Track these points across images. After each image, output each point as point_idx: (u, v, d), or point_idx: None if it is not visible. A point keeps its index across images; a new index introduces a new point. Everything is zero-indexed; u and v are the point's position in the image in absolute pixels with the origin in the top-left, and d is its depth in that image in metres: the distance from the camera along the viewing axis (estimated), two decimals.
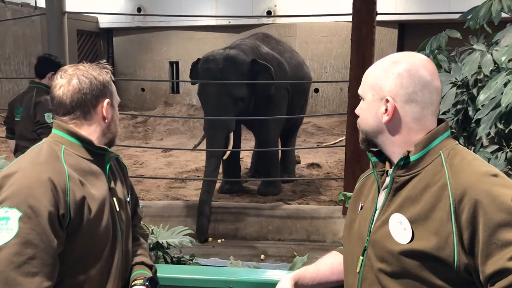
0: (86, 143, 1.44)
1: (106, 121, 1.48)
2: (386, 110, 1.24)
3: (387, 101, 1.24)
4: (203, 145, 5.77)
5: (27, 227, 1.24)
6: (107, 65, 1.52)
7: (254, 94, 5.50)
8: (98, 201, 1.39)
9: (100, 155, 1.47)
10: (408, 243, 1.17)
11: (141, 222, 1.82)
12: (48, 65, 3.87)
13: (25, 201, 1.25)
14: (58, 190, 1.30)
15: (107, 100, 1.47)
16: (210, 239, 4.90)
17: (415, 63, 1.24)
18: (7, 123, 4.16)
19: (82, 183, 1.37)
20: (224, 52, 5.37)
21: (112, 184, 1.50)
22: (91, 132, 1.46)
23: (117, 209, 1.49)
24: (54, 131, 1.46)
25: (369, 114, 1.29)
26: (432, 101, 1.24)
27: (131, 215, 1.66)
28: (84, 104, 1.44)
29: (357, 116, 1.35)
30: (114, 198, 1.49)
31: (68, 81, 1.43)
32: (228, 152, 5.34)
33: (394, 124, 1.25)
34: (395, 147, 1.26)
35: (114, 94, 1.52)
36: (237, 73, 5.24)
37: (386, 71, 1.25)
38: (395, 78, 1.23)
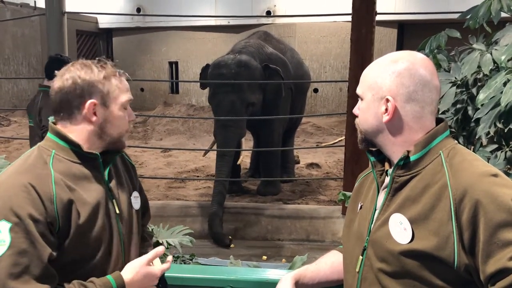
0: (74, 146, 1.39)
1: (94, 123, 1.40)
2: (386, 109, 1.23)
3: (387, 100, 1.23)
4: (203, 147, 5.75)
5: (19, 236, 1.23)
6: (106, 62, 1.43)
7: (264, 98, 5.53)
8: (90, 206, 1.36)
9: (92, 158, 1.41)
10: (408, 243, 1.17)
11: None
12: (58, 66, 3.82)
13: (11, 211, 1.24)
14: (42, 197, 1.28)
15: (90, 101, 1.37)
16: (230, 239, 4.90)
17: (415, 62, 1.23)
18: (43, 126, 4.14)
19: (71, 189, 1.34)
20: (236, 58, 5.34)
21: (113, 186, 1.46)
22: (78, 135, 1.40)
23: (117, 211, 1.45)
24: (48, 134, 1.43)
25: (368, 114, 1.27)
26: (431, 100, 1.24)
27: (144, 215, 1.65)
28: (66, 105, 1.38)
29: (356, 116, 1.33)
30: (114, 201, 1.45)
31: (57, 79, 1.40)
32: (241, 158, 5.34)
33: (394, 123, 1.24)
34: (395, 147, 1.26)
35: (111, 93, 1.40)
36: (250, 79, 5.25)
37: (386, 70, 1.24)
38: (395, 77, 1.22)
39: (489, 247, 1.08)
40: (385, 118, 1.24)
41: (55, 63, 3.84)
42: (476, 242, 1.10)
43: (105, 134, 1.42)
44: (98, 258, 1.39)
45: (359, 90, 1.30)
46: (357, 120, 1.33)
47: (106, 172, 1.45)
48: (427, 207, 1.16)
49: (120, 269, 1.43)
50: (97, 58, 1.45)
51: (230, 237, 4.90)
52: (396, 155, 1.25)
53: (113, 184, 1.47)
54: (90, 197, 1.37)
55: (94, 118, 1.39)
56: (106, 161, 1.46)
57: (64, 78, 1.38)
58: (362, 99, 1.30)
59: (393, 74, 1.23)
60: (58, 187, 1.31)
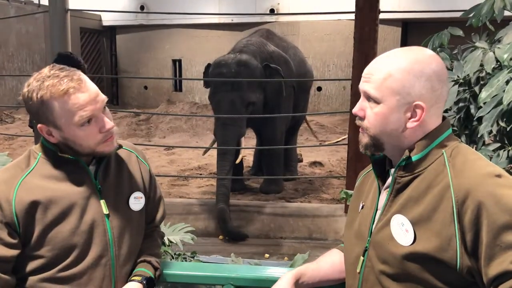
0: (54, 149, 1.40)
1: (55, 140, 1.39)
2: (412, 115, 1.18)
3: (416, 106, 1.17)
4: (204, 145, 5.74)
5: None
6: (56, 78, 1.33)
7: (265, 97, 5.52)
8: (60, 207, 1.37)
9: (73, 160, 1.41)
10: (410, 245, 1.15)
11: None
12: (67, 64, 3.77)
13: None
14: (0, 199, 1.33)
15: (39, 125, 1.37)
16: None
17: (437, 61, 1.19)
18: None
19: (46, 191, 1.36)
20: (236, 57, 5.35)
21: (105, 187, 1.45)
22: (57, 141, 1.41)
23: (105, 212, 1.44)
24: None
25: (389, 120, 1.19)
26: (445, 96, 1.21)
27: (154, 215, 1.65)
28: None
29: (359, 118, 1.25)
30: (103, 201, 1.44)
31: None
32: (240, 157, 5.35)
33: (416, 128, 1.20)
34: (401, 148, 1.22)
35: (57, 118, 1.33)
36: (250, 78, 5.24)
37: (413, 74, 1.17)
38: (425, 82, 1.17)
39: (492, 250, 1.06)
40: (412, 124, 1.19)
41: (64, 61, 3.80)
42: (479, 244, 1.08)
43: (71, 149, 1.40)
44: (72, 259, 1.39)
45: (376, 93, 1.20)
46: (365, 123, 1.23)
47: (98, 173, 1.45)
48: (429, 208, 1.14)
49: (107, 272, 1.44)
50: (53, 65, 1.41)
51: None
52: (398, 155, 1.22)
53: (105, 185, 1.47)
54: (64, 199, 1.38)
55: (52, 139, 1.40)
56: (98, 162, 1.47)
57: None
58: (378, 102, 1.19)
59: (421, 78, 1.17)
60: (22, 190, 1.35)
